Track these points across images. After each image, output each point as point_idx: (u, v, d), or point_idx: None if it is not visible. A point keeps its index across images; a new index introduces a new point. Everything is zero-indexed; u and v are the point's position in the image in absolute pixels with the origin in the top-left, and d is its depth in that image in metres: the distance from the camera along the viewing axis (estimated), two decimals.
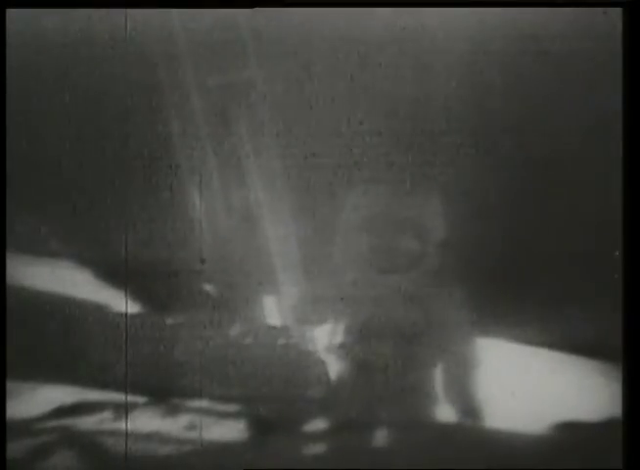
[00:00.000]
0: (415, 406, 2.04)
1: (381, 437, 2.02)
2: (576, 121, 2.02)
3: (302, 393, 2.05)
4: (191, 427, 2.05)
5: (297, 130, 2.06)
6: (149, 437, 2.04)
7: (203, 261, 2.05)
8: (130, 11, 2.02)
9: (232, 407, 2.06)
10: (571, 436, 1.99)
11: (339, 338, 2.07)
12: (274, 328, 2.08)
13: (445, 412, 2.04)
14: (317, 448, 2.02)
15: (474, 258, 2.04)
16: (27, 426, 2.04)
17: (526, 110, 2.03)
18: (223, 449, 2.03)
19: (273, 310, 2.09)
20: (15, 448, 2.00)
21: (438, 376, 2.05)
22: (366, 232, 2.07)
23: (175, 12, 2.01)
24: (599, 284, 2.00)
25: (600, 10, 1.97)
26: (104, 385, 2.05)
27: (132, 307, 2.07)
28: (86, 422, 2.05)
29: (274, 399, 2.04)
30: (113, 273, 2.08)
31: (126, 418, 2.04)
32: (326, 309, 2.07)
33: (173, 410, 2.05)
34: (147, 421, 2.05)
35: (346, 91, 2.05)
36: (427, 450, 1.99)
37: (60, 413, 2.05)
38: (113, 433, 2.03)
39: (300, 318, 2.08)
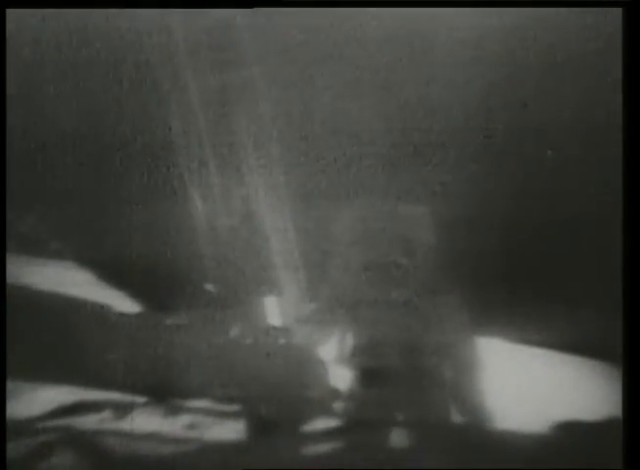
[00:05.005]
0: (414, 406, 2.04)
1: (380, 437, 2.02)
2: (576, 121, 2.02)
3: (301, 393, 2.05)
4: (191, 427, 2.05)
5: (298, 129, 2.06)
6: (149, 437, 2.04)
7: (202, 261, 2.06)
8: (130, 10, 2.02)
9: (232, 407, 2.06)
10: (570, 436, 1.99)
11: (339, 339, 2.08)
12: (274, 328, 2.08)
13: (445, 413, 2.05)
14: (316, 448, 2.02)
15: (473, 260, 2.05)
16: (28, 426, 2.04)
17: (526, 110, 2.03)
18: (223, 449, 2.03)
19: (274, 311, 2.10)
20: (15, 448, 2.01)
21: (437, 377, 2.05)
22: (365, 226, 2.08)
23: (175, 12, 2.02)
24: (599, 284, 2.00)
25: (600, 10, 1.97)
26: (104, 385, 2.05)
27: (132, 307, 2.07)
28: (85, 422, 2.05)
29: (273, 399, 2.05)
30: (112, 273, 2.08)
31: (124, 418, 2.04)
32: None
33: (174, 410, 2.05)
34: (147, 421, 2.05)
35: (346, 91, 2.06)
36: (426, 450, 1.99)
37: (60, 413, 2.06)
38: (112, 433, 2.04)
39: (300, 319, 2.08)
